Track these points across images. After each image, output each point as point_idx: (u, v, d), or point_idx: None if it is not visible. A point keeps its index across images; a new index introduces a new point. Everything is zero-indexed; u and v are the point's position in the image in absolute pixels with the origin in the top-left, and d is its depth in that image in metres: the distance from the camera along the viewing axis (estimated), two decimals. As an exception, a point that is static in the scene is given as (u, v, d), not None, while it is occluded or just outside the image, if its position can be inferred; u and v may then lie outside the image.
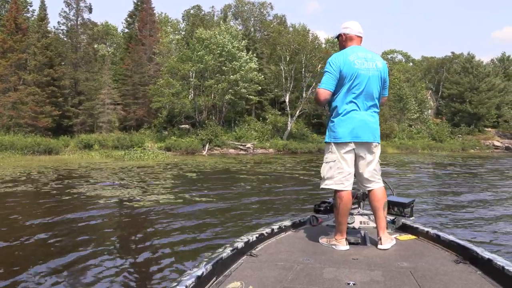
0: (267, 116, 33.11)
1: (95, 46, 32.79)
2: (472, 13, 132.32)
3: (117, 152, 21.85)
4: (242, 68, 29.20)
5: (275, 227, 3.15)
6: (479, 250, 2.39)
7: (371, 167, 2.79)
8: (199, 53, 27.89)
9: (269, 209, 6.82)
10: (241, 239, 2.67)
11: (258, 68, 31.37)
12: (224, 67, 28.36)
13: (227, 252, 2.34)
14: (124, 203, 7.26)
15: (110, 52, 34.89)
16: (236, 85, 29.16)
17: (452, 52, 57.94)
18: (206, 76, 29.09)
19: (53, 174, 12.08)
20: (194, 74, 29.94)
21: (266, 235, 2.98)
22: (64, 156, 20.84)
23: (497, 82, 52.56)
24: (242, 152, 27.62)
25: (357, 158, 2.77)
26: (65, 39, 31.34)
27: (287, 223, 3.30)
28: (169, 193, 8.41)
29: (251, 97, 30.60)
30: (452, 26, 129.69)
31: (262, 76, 31.07)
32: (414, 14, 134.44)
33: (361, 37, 2.90)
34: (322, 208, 3.54)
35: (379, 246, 2.65)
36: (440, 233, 2.80)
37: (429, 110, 48.59)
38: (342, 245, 2.70)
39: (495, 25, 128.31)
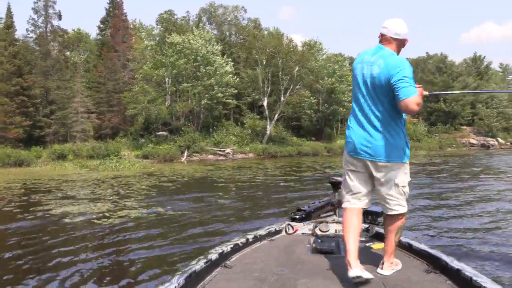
0: (245, 121, 32.79)
1: (67, 53, 31.81)
2: (442, 15, 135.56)
3: (92, 162, 21.13)
4: (218, 72, 28.85)
5: (250, 236, 3.09)
6: (449, 260, 2.42)
7: (385, 189, 2.47)
8: (172, 58, 27.43)
9: (246, 218, 6.55)
10: (215, 250, 2.62)
11: (234, 72, 31.08)
12: (198, 72, 27.95)
13: (200, 264, 2.31)
14: (92, 220, 6.80)
15: (82, 60, 33.92)
16: (212, 89, 28.77)
17: (427, 53, 58.94)
18: (181, 81, 28.61)
19: (20, 189, 11.45)
20: (170, 80, 29.41)
21: (241, 245, 2.93)
22: (35, 168, 20.03)
23: (470, 81, 53.72)
24: (221, 157, 27.22)
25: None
26: (34, 47, 30.32)
27: (262, 232, 3.26)
28: (142, 206, 7.98)
29: (228, 101, 30.25)
30: (425, 27, 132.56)
31: (238, 79, 30.78)
32: (386, 15, 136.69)
33: (395, 39, 2.50)
34: (297, 217, 3.56)
35: (378, 270, 2.48)
36: (412, 242, 2.86)
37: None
38: (349, 267, 2.35)
39: (463, 27, 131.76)
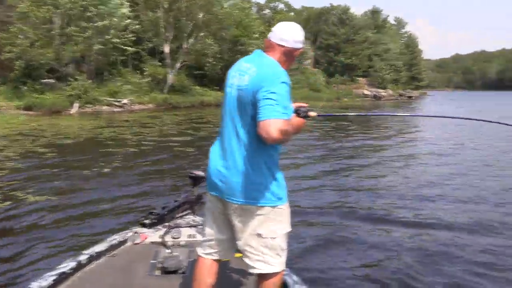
0: (145, 68, 30.74)
1: None
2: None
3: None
4: (113, 13, 26.16)
5: (83, 257, 2.58)
6: (291, 282, 2.30)
7: (243, 239, 1.96)
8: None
9: (118, 210, 5.66)
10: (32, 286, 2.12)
11: (132, 16, 28.49)
12: (89, 13, 25.02)
13: None
14: None
15: None
16: (107, 33, 26.15)
17: (330, 4, 59.98)
18: (68, 22, 25.43)
19: None
20: (59, 21, 25.97)
21: (68, 272, 2.40)
22: None
23: (369, 34, 56.36)
24: (117, 109, 25.41)
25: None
26: None
27: (100, 247, 2.77)
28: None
29: (126, 47, 27.86)
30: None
31: (139, 25, 28.37)
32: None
33: (280, 45, 2.01)
34: (148, 222, 3.15)
35: None
36: None
37: (308, 60, 50.34)
38: None
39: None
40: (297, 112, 1.99)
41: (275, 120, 1.68)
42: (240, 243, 1.99)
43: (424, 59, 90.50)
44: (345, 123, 19.86)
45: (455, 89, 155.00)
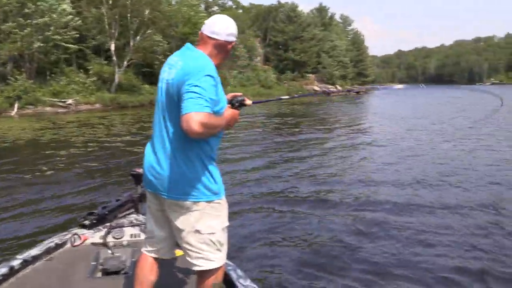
0: (90, 67, 29.61)
1: None
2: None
3: None
4: (53, 9, 24.97)
5: (16, 262, 2.43)
6: (235, 276, 2.30)
7: (182, 237, 1.93)
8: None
9: (58, 212, 5.42)
10: None
11: (75, 12, 27.34)
12: (27, 9, 23.76)
13: None
14: None
15: None
16: (47, 30, 24.94)
17: (278, 1, 60.65)
18: (6, 19, 24.03)
19: None
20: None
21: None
22: None
23: (317, 32, 57.58)
24: (62, 110, 24.35)
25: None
26: None
27: (35, 251, 2.62)
28: None
29: (68, 45, 26.69)
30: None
31: (80, 21, 27.25)
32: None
33: (212, 38, 1.98)
34: (87, 222, 3.03)
35: None
36: None
37: (258, 58, 50.72)
38: None
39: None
40: (231, 103, 2.01)
41: (197, 114, 1.65)
42: (179, 241, 1.97)
43: (370, 55, 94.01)
44: (294, 118, 20.24)
45: (399, 84, 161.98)
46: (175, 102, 1.83)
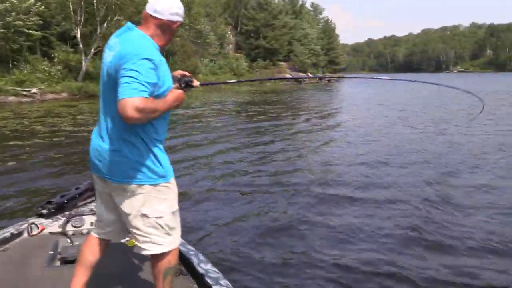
0: (55, 54, 28.60)
1: None
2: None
3: None
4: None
5: None
6: (196, 261, 2.31)
7: (129, 221, 1.90)
8: None
9: (17, 202, 5.26)
10: None
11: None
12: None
13: None
14: None
15: None
16: (8, 16, 23.90)
17: (249, -12, 60.00)
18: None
19: None
20: None
21: None
22: None
23: (288, 19, 57.53)
24: (26, 99, 23.46)
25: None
26: None
27: None
28: None
29: (31, 31, 25.67)
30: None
31: (43, 7, 26.22)
32: None
33: (154, 18, 1.88)
34: (45, 211, 2.96)
35: None
36: None
37: (230, 45, 50.36)
38: None
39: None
40: (179, 82, 1.98)
41: (132, 99, 1.61)
42: (127, 225, 1.93)
43: (341, 43, 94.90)
44: (264, 106, 20.29)
45: (370, 72, 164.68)
46: (113, 85, 1.76)
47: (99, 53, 30.88)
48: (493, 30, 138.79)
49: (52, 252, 2.58)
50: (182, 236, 2.73)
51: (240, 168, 7.22)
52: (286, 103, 23.21)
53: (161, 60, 1.81)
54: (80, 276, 2.02)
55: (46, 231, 2.84)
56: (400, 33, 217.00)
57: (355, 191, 5.81)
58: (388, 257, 3.68)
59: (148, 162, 1.83)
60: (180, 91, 1.93)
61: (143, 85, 1.65)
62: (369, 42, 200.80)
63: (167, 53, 37.40)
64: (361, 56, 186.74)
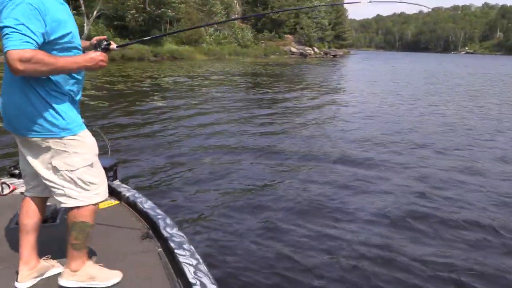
0: (57, 16, 28.05)
1: None
2: None
3: None
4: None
5: None
6: (163, 225, 2.31)
7: (41, 174, 1.86)
8: None
9: None
10: None
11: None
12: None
13: None
14: None
15: None
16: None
17: (258, -44, 58.32)
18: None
19: None
20: None
21: None
22: None
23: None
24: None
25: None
26: None
27: None
28: None
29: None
30: None
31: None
32: None
33: None
34: (18, 171, 2.96)
35: (58, 280, 1.95)
36: (138, 200, 2.63)
37: (235, 15, 49.35)
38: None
39: None
40: (95, 48, 1.87)
41: (14, 51, 1.52)
42: (41, 178, 1.89)
43: (349, 18, 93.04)
44: (267, 78, 19.99)
45: (376, 49, 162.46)
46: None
47: (101, 17, 30.41)
48: (505, 11, 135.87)
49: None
50: (156, 202, 2.68)
51: (234, 138, 7.18)
52: (288, 75, 22.80)
53: (43, 2, 1.62)
54: (25, 245, 1.95)
55: (17, 191, 2.82)
56: (410, 11, 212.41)
57: (345, 163, 5.83)
58: (382, 241, 3.55)
59: (47, 115, 1.76)
60: (93, 52, 1.79)
61: (26, 35, 1.55)
62: (378, 18, 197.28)
63: (171, 20, 36.70)
64: (368, 33, 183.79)
